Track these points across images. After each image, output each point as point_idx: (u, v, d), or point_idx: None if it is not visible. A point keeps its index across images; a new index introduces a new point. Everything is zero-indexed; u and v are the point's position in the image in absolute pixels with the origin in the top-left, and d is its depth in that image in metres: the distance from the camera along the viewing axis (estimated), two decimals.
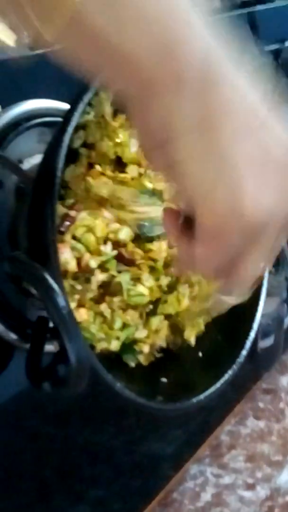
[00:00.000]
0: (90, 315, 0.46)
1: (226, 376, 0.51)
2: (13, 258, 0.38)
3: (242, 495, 0.69)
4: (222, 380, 0.51)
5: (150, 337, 0.51)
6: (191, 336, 0.54)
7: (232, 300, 0.51)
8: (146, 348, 0.51)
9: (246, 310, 0.56)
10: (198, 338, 0.55)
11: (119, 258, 0.47)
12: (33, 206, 0.42)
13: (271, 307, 0.77)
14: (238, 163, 0.31)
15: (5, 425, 0.59)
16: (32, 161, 0.53)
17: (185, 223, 0.34)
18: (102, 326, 0.47)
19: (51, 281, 0.35)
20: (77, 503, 0.69)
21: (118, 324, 0.48)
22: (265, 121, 0.32)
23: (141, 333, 0.51)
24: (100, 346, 0.47)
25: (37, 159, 0.53)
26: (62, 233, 0.42)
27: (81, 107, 0.40)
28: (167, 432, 0.79)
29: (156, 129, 0.31)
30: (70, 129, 0.40)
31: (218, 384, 0.51)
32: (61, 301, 0.35)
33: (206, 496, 0.70)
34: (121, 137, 0.48)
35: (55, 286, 0.35)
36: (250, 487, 0.70)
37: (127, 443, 0.75)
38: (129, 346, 0.50)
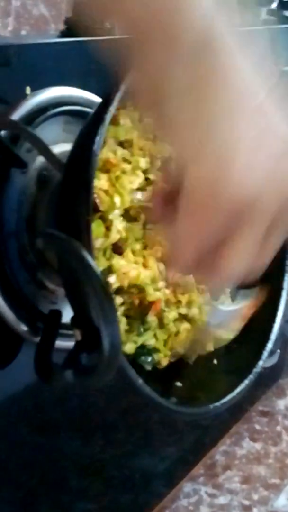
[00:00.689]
0: None
1: (243, 385, 0.49)
2: (47, 234, 0.36)
3: None
4: (238, 389, 0.49)
5: (169, 342, 0.49)
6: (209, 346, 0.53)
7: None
8: (163, 354, 0.49)
9: (263, 319, 0.55)
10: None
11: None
12: (66, 187, 0.40)
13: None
14: (231, 136, 0.30)
15: None
16: (57, 149, 0.51)
17: (171, 204, 0.32)
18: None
19: (89, 258, 0.33)
20: None
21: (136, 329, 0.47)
22: (263, 105, 0.31)
23: (157, 341, 0.49)
24: None
25: (61, 147, 0.51)
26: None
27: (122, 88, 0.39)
28: (160, 448, 0.77)
29: (148, 87, 0.30)
30: (112, 109, 0.38)
31: (234, 393, 0.49)
32: (99, 279, 0.33)
33: None
34: None
35: (94, 264, 0.33)
36: (246, 509, 0.67)
37: (117, 457, 0.72)
38: (145, 349, 0.48)
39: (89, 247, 0.35)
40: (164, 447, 0.76)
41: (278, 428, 0.79)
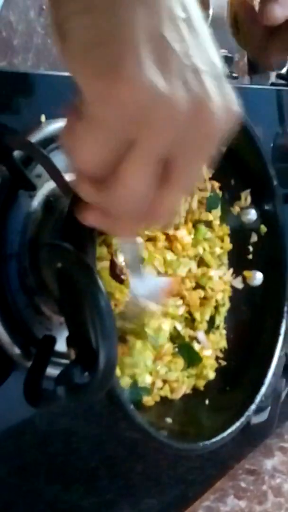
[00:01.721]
0: None
1: (234, 427, 0.49)
2: (55, 245, 0.37)
3: None
4: (229, 430, 0.48)
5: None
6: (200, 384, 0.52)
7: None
8: (152, 398, 0.49)
9: (258, 364, 0.54)
10: (206, 386, 0.53)
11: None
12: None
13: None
14: (136, 27, 0.27)
15: None
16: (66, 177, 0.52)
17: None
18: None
19: (94, 271, 0.33)
20: None
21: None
22: (193, 25, 0.28)
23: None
24: None
25: (71, 177, 0.52)
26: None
27: None
28: (141, 500, 0.74)
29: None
30: None
31: (225, 434, 0.48)
32: (102, 293, 0.33)
33: None
34: None
35: (97, 276, 0.33)
36: None
37: (96, 505, 0.70)
38: (138, 388, 0.48)
39: (93, 261, 0.35)
40: (145, 499, 0.74)
41: (264, 487, 0.77)
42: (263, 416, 0.76)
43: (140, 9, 0.27)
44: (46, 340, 0.50)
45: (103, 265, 0.43)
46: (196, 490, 0.77)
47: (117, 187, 0.30)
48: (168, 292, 0.50)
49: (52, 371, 0.48)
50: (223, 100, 0.29)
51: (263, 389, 0.52)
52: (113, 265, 0.44)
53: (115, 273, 0.44)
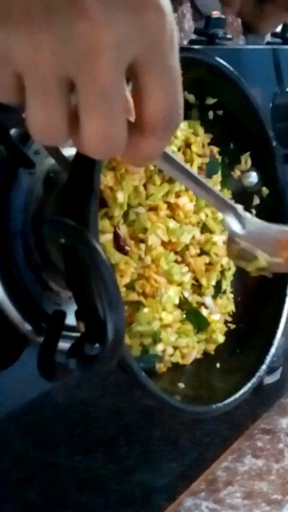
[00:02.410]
0: None
1: (246, 388, 0.49)
2: (55, 221, 0.37)
3: None
4: (242, 391, 0.49)
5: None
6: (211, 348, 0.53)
7: None
8: (163, 365, 0.49)
9: (267, 325, 0.55)
10: (216, 350, 0.53)
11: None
12: (73, 182, 0.41)
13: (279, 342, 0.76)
14: None
15: None
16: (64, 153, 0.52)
17: None
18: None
19: (97, 245, 0.33)
20: None
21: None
22: None
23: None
24: None
25: (68, 151, 0.52)
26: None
27: None
28: (161, 464, 0.76)
29: None
30: None
31: (237, 395, 0.49)
32: (106, 265, 0.33)
33: None
34: None
35: (100, 249, 0.33)
36: None
37: (117, 472, 0.72)
38: (149, 356, 0.48)
39: (96, 235, 0.35)
40: (165, 463, 0.75)
41: (281, 445, 0.79)
42: (276, 376, 0.76)
43: None
44: (56, 315, 0.50)
45: (106, 238, 0.43)
46: (214, 451, 0.78)
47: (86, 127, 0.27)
48: (285, 247, 0.46)
49: (64, 344, 0.48)
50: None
51: (272, 350, 0.52)
52: (116, 237, 0.44)
53: (119, 244, 0.44)
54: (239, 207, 0.45)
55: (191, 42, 0.71)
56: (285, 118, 0.84)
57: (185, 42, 0.75)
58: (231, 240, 0.45)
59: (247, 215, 0.45)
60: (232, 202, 0.45)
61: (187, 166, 0.40)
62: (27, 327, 0.50)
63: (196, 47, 0.66)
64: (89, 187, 0.37)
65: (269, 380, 0.77)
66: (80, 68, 0.25)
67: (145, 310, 0.46)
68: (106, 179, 0.43)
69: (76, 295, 0.41)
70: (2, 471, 0.59)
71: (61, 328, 0.50)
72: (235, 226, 0.45)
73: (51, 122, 0.27)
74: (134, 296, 0.46)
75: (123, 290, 0.45)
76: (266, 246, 0.45)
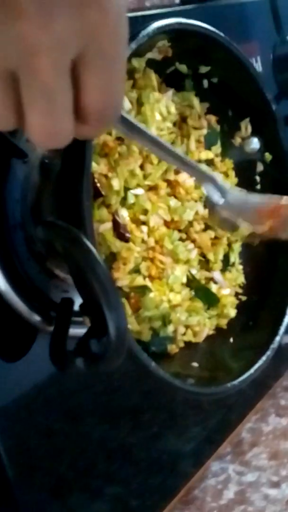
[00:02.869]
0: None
1: (260, 362, 0.49)
2: (47, 223, 0.36)
3: (267, 493, 0.66)
4: (256, 366, 0.48)
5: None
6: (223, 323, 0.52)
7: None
8: (175, 345, 0.49)
9: (278, 295, 0.54)
10: (229, 324, 0.53)
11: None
12: (65, 173, 0.40)
13: None
14: None
15: (18, 420, 0.57)
16: None
17: None
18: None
19: (89, 245, 0.33)
20: (94, 500, 0.67)
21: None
22: None
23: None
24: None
25: None
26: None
27: None
28: (186, 429, 0.76)
29: None
30: None
31: (252, 370, 0.48)
32: (100, 266, 0.32)
33: (229, 494, 0.67)
34: None
35: (94, 250, 0.33)
36: (275, 485, 0.67)
37: (144, 439, 0.72)
38: (160, 338, 0.48)
39: (91, 234, 0.35)
40: (189, 428, 0.76)
41: None
42: None
43: None
44: (64, 303, 0.50)
45: (105, 227, 0.42)
46: (238, 413, 0.78)
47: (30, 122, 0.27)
48: (266, 216, 0.46)
49: (76, 330, 0.48)
50: None
51: (286, 319, 0.52)
52: (116, 224, 0.43)
53: (119, 232, 0.43)
54: (218, 177, 0.44)
55: (184, 1, 0.68)
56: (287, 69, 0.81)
57: (177, 1, 0.72)
58: (212, 210, 0.45)
59: (226, 185, 0.46)
60: (210, 171, 0.44)
61: (157, 136, 0.39)
62: (36, 318, 0.50)
63: (189, 6, 0.64)
64: (82, 183, 0.36)
65: (286, 339, 0.76)
66: (21, 65, 0.26)
67: (151, 294, 0.45)
68: (100, 167, 0.41)
69: (78, 289, 0.40)
70: (31, 446, 0.59)
71: (70, 316, 0.49)
72: (215, 196, 0.45)
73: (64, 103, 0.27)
74: (140, 281, 0.45)
75: (128, 276, 0.44)
76: (247, 215, 0.46)
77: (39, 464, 0.60)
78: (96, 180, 0.42)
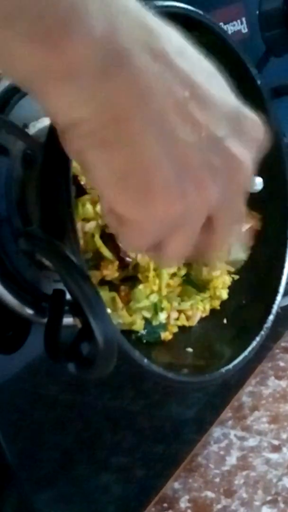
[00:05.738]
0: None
1: (254, 343, 0.49)
2: (29, 234, 0.36)
3: (268, 457, 0.68)
4: (250, 348, 0.49)
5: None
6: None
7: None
8: (169, 332, 0.49)
9: (270, 273, 0.54)
10: (222, 304, 0.53)
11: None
12: (44, 175, 0.39)
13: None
14: (152, 150, 0.28)
15: (22, 394, 0.58)
16: (38, 125, 0.49)
17: None
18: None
19: (72, 258, 0.32)
20: (100, 471, 0.68)
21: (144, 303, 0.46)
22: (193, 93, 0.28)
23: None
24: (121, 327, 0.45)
25: (43, 122, 0.50)
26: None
27: None
28: (187, 395, 0.78)
29: (56, 114, 0.28)
30: None
31: (246, 352, 0.48)
32: (84, 279, 0.32)
33: (232, 460, 0.69)
34: None
35: (76, 263, 0.32)
36: (276, 449, 0.69)
37: (147, 407, 0.74)
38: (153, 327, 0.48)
39: (73, 243, 0.34)
40: (190, 394, 0.77)
41: None
42: None
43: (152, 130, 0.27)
44: (56, 295, 0.50)
45: (91, 226, 0.42)
46: (239, 377, 0.79)
47: (167, 252, 0.32)
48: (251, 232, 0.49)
49: (70, 320, 0.48)
50: (247, 141, 0.32)
51: (278, 298, 0.52)
52: (116, 247, 0.43)
53: (120, 256, 0.43)
54: None
55: None
56: (274, 25, 0.79)
57: None
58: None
59: None
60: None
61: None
62: (29, 311, 0.50)
63: None
64: (62, 187, 0.36)
65: (283, 302, 0.77)
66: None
67: (141, 286, 0.45)
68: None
69: (69, 292, 0.40)
70: (36, 419, 0.61)
71: (62, 307, 0.49)
72: None
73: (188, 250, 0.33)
74: (128, 272, 0.45)
75: (116, 272, 0.44)
76: None
77: (44, 437, 0.62)
78: (80, 178, 0.41)
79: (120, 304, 0.45)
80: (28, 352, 0.54)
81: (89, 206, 0.42)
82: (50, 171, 0.38)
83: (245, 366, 0.82)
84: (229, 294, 0.53)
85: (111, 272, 0.43)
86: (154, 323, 0.47)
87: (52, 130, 0.40)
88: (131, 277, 0.46)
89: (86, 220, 0.42)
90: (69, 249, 0.34)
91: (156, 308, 0.47)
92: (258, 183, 0.54)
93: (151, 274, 0.46)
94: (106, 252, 0.42)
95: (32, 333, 0.52)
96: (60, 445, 0.64)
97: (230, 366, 0.47)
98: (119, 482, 0.70)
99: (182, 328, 0.50)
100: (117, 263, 0.43)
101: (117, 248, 0.42)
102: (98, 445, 0.69)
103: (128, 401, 0.72)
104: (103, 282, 0.46)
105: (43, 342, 0.48)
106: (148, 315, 0.46)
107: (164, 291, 0.46)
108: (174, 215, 0.29)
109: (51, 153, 0.38)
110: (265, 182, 0.54)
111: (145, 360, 0.40)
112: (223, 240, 0.33)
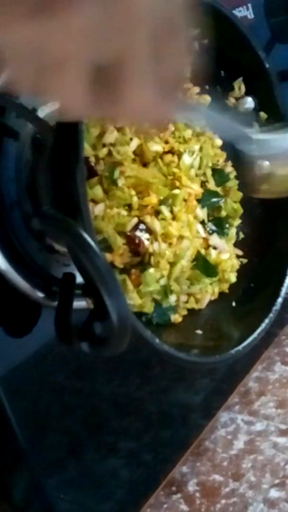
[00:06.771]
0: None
1: (263, 325, 0.50)
2: (42, 214, 0.36)
3: (276, 441, 0.68)
4: (259, 329, 0.49)
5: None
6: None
7: None
8: (178, 314, 0.49)
9: (279, 256, 0.54)
10: (231, 287, 0.53)
11: None
12: (56, 154, 0.39)
13: None
14: None
15: (30, 381, 0.58)
16: (47, 109, 0.50)
17: None
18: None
19: (86, 236, 0.33)
20: (108, 456, 0.69)
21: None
22: None
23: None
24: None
25: (52, 106, 0.50)
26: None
27: None
28: (194, 381, 0.78)
29: None
30: None
31: (255, 334, 0.49)
32: (98, 256, 0.33)
33: (239, 444, 0.69)
34: None
35: (90, 241, 0.33)
36: (283, 433, 0.69)
37: (154, 393, 0.74)
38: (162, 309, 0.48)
39: (86, 223, 0.34)
40: (197, 379, 0.77)
41: None
42: None
43: None
44: (66, 278, 0.50)
45: (100, 209, 0.42)
46: (244, 363, 0.80)
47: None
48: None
49: (80, 303, 0.48)
50: None
51: (286, 281, 0.52)
52: (131, 240, 0.43)
53: (135, 249, 0.43)
54: (251, 132, 0.41)
55: None
56: (280, 11, 0.79)
57: None
58: (252, 169, 0.43)
59: (258, 136, 0.42)
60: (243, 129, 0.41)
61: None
62: (39, 294, 0.50)
63: None
64: (75, 167, 0.36)
65: None
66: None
67: (151, 270, 0.45)
68: (101, 151, 0.41)
69: (79, 272, 0.40)
70: (44, 405, 0.61)
71: (72, 290, 0.50)
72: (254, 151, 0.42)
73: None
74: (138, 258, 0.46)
75: (128, 254, 0.44)
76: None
77: (52, 424, 0.62)
78: (90, 160, 0.41)
79: (130, 286, 0.45)
80: (39, 336, 0.54)
81: (98, 187, 0.42)
82: (62, 150, 0.39)
83: (252, 352, 0.82)
84: (237, 277, 0.53)
85: (121, 259, 0.43)
86: (164, 305, 0.48)
87: None
88: (141, 261, 0.46)
89: (95, 201, 0.42)
90: (82, 228, 0.34)
91: (166, 291, 0.47)
92: (249, 101, 0.53)
93: (164, 260, 0.46)
94: (115, 242, 0.42)
95: (42, 317, 0.53)
96: (69, 431, 0.65)
97: (240, 347, 0.48)
98: (128, 467, 0.70)
99: (191, 311, 0.51)
100: (127, 251, 0.43)
101: (132, 240, 0.43)
102: (106, 430, 0.69)
103: (135, 387, 0.72)
104: (113, 266, 0.46)
105: (53, 325, 0.49)
106: (158, 297, 0.47)
107: (174, 276, 0.47)
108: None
109: (63, 132, 0.38)
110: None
111: (157, 340, 0.41)
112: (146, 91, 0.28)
